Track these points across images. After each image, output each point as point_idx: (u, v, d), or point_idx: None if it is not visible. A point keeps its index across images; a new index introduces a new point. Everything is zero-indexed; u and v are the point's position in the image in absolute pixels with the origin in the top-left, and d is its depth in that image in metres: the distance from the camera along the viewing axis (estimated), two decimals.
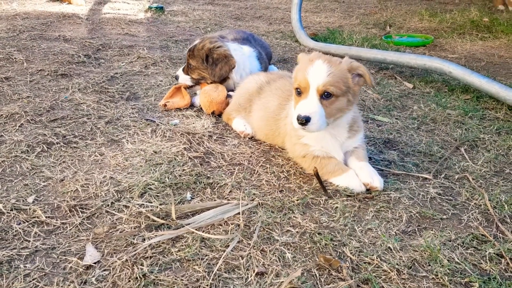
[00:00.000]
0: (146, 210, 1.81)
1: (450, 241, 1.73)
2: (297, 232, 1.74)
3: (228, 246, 1.64)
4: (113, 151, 2.27)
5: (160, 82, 3.26)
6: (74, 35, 4.25)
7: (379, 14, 6.28)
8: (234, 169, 2.19)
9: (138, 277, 1.47)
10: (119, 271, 1.51)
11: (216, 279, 1.50)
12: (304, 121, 1.91)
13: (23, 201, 1.86)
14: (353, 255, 1.62)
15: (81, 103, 2.78)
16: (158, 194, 1.93)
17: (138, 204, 1.86)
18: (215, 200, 1.92)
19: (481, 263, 1.62)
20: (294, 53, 4.21)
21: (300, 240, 1.70)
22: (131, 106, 2.80)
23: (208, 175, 2.10)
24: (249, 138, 2.50)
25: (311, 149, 2.12)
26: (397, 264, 1.59)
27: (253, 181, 2.09)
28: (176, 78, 2.97)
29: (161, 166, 2.13)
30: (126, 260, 1.55)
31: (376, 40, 4.69)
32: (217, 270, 1.52)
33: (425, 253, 1.65)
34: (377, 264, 1.58)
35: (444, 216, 1.88)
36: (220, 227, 1.76)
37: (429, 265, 1.60)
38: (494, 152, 2.43)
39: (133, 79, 3.28)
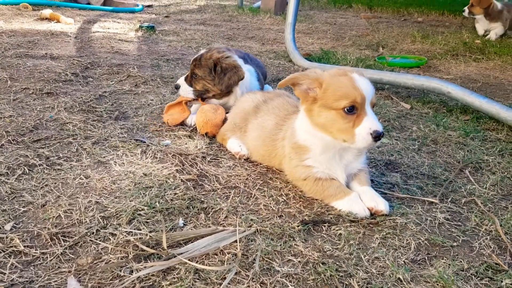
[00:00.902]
0: (134, 239, 1.66)
1: (463, 270, 1.61)
2: (299, 262, 1.60)
3: (225, 278, 1.49)
4: (100, 174, 2.12)
5: (151, 101, 3.14)
6: (61, 53, 4.13)
7: (371, 36, 6.27)
8: (230, 192, 2.05)
9: None
10: None
11: None
12: (381, 136, 1.81)
13: (0, 228, 1.70)
14: None
15: (67, 123, 2.64)
16: (147, 221, 1.79)
17: (125, 231, 1.71)
18: (209, 227, 1.77)
19: None
20: (288, 73, 4.13)
21: (303, 271, 1.56)
22: (120, 126, 2.66)
23: (202, 199, 1.97)
24: (244, 159, 2.38)
25: (314, 171, 2.00)
26: None
27: (250, 206, 1.95)
28: (177, 87, 2.80)
29: (151, 190, 1.99)
30: None
31: (370, 60, 4.64)
32: None
33: (438, 284, 1.53)
34: None
35: (455, 243, 1.76)
36: (216, 256, 1.61)
37: None
38: (499, 175, 2.33)
39: (123, 98, 3.15)
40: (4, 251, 1.58)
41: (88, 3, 7.31)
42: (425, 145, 2.70)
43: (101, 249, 1.62)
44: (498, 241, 1.79)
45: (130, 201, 1.90)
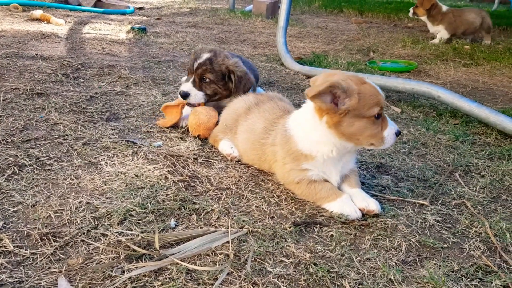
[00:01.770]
0: (125, 239, 1.65)
1: (453, 272, 1.62)
2: (291, 262, 1.61)
3: (217, 278, 1.49)
4: (91, 174, 2.11)
5: (142, 102, 3.13)
6: (52, 53, 4.10)
7: (362, 41, 6.32)
8: (222, 194, 2.05)
9: None
10: None
11: None
12: (399, 133, 1.97)
13: None
14: None
15: (57, 123, 2.62)
16: (139, 221, 1.78)
17: (117, 232, 1.70)
18: (201, 228, 1.77)
19: None
20: (279, 76, 4.14)
21: (295, 271, 1.56)
22: (111, 127, 2.65)
23: (194, 200, 1.96)
24: (236, 161, 2.38)
25: (309, 174, 2.00)
26: None
27: (242, 207, 1.95)
28: (186, 95, 2.69)
29: (142, 191, 1.98)
30: None
31: (361, 65, 4.67)
32: None
33: (428, 285, 1.54)
34: None
35: (445, 245, 1.78)
36: (208, 257, 1.61)
37: None
38: (488, 178, 2.36)
39: (114, 99, 3.14)
40: None
41: (79, 5, 7.27)
42: (415, 148, 2.72)
43: (92, 249, 1.61)
44: (488, 243, 1.81)
45: (122, 201, 1.89)
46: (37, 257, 1.55)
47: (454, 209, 2.05)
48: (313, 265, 1.59)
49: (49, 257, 1.56)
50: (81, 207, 1.84)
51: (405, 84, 3.44)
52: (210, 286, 1.46)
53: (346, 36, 6.70)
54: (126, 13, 7.20)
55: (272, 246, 1.69)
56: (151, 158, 2.30)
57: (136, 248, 1.60)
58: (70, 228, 1.70)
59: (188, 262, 1.56)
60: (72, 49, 4.39)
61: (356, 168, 2.14)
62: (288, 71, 4.34)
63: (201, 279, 1.49)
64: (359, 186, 2.06)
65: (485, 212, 2.03)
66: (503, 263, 1.69)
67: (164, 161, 2.27)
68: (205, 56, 2.72)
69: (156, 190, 2.00)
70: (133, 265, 1.53)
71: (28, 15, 5.79)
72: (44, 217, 1.77)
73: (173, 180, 2.10)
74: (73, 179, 2.06)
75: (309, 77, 4.01)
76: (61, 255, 1.57)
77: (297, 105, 2.31)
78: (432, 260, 1.68)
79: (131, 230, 1.71)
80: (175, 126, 2.74)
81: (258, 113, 2.35)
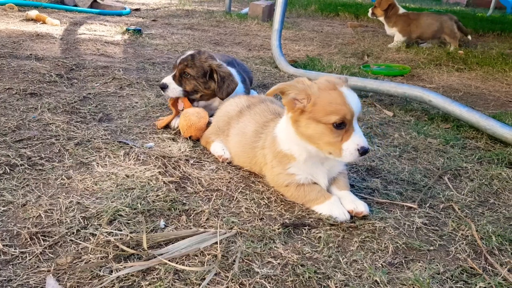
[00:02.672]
0: (115, 239, 1.66)
1: (438, 274, 1.64)
2: (278, 263, 1.62)
3: (204, 279, 1.50)
4: (82, 175, 2.12)
5: (136, 103, 3.14)
6: (46, 54, 4.10)
7: (356, 44, 6.35)
8: (212, 195, 2.06)
9: None
10: None
11: None
12: (367, 152, 1.85)
13: None
14: None
15: (50, 124, 2.62)
16: (128, 222, 1.79)
17: (106, 232, 1.71)
18: (190, 228, 1.78)
19: None
20: (273, 78, 4.16)
21: (282, 272, 1.58)
22: (104, 128, 2.66)
23: (184, 201, 1.97)
24: (227, 163, 2.39)
25: (297, 178, 2.02)
26: None
27: (232, 208, 1.97)
28: (164, 87, 2.74)
29: (133, 191, 1.99)
30: None
31: (355, 68, 4.70)
32: None
33: (414, 286, 1.56)
34: None
35: (431, 248, 1.80)
36: (196, 258, 1.62)
37: None
38: (477, 182, 2.39)
39: (107, 100, 3.15)
40: None
41: (75, 5, 7.28)
42: (406, 151, 2.74)
43: (81, 249, 1.62)
44: (474, 245, 1.83)
45: (112, 202, 1.90)
46: (26, 256, 1.56)
47: (442, 212, 2.07)
48: (300, 266, 1.60)
49: (38, 256, 1.57)
50: (71, 207, 1.85)
51: (397, 88, 3.47)
52: (198, 286, 1.47)
53: (341, 39, 6.74)
54: (122, 14, 7.21)
55: (260, 247, 1.70)
56: (142, 159, 2.31)
57: (124, 248, 1.61)
58: (60, 228, 1.71)
59: (176, 262, 1.57)
60: (66, 50, 4.40)
61: (346, 171, 2.16)
62: (282, 74, 4.36)
63: (189, 279, 1.50)
64: (348, 189, 2.08)
65: (472, 216, 2.05)
66: (488, 265, 1.71)
67: (156, 162, 2.29)
68: (189, 52, 2.78)
69: (147, 190, 2.01)
70: (121, 265, 1.54)
71: (23, 15, 5.80)
72: (34, 216, 1.77)
73: (163, 181, 2.11)
74: (64, 179, 2.07)
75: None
76: (50, 255, 1.58)
77: None
78: (418, 262, 1.70)
79: (121, 230, 1.72)
80: (167, 127, 2.76)
81: (249, 116, 2.36)
